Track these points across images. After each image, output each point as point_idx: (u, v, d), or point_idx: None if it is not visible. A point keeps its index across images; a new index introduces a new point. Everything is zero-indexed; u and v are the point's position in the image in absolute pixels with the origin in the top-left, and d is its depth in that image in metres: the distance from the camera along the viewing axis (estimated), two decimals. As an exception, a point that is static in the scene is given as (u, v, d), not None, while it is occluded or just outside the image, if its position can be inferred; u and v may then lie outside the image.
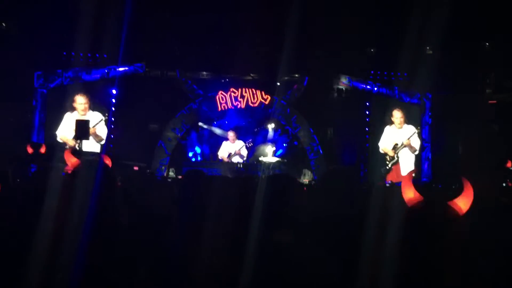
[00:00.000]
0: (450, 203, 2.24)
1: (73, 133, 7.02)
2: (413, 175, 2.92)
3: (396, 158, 7.86)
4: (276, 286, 2.36)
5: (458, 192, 2.33)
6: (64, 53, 9.94)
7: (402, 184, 2.43)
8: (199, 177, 3.51)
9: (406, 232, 2.07)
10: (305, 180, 10.89)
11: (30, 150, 6.87)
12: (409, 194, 2.39)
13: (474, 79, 10.60)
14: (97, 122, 7.29)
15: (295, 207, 2.65)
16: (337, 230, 2.51)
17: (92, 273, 2.49)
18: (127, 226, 3.07)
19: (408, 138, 7.79)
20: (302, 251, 2.41)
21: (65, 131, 7.32)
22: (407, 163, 7.84)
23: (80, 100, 7.39)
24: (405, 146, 7.82)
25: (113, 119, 10.49)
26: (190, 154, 11.83)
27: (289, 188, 2.73)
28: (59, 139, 7.35)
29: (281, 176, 3.81)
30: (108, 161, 3.70)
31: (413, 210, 2.24)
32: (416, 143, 7.92)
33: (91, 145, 7.24)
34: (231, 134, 10.92)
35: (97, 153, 7.23)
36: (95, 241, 2.55)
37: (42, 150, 6.84)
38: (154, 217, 3.30)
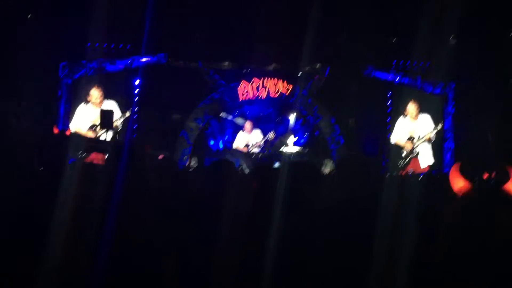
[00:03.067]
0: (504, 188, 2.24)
1: (88, 124, 7.14)
2: (459, 166, 2.96)
3: (415, 152, 7.71)
4: (295, 275, 2.40)
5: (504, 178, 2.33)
6: (89, 44, 10.05)
7: (451, 176, 2.50)
8: (227, 168, 3.43)
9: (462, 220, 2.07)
10: (327, 170, 10.87)
11: (56, 130, 7.00)
12: (459, 183, 2.46)
13: (499, 68, 10.40)
14: (121, 116, 7.37)
15: (314, 195, 2.68)
16: (355, 218, 2.54)
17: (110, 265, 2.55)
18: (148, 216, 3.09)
19: (430, 133, 7.63)
20: (319, 240, 2.44)
21: (79, 123, 7.39)
22: (425, 154, 7.73)
23: (94, 93, 7.48)
24: (425, 140, 7.65)
25: (136, 109, 10.59)
26: (212, 144, 11.92)
27: (308, 176, 2.75)
28: (73, 131, 7.40)
29: (300, 164, 3.81)
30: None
31: (466, 197, 2.27)
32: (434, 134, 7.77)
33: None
34: (247, 125, 10.97)
35: (120, 141, 7.33)
36: (116, 233, 2.60)
37: (67, 133, 6.98)
38: (178, 206, 3.33)
